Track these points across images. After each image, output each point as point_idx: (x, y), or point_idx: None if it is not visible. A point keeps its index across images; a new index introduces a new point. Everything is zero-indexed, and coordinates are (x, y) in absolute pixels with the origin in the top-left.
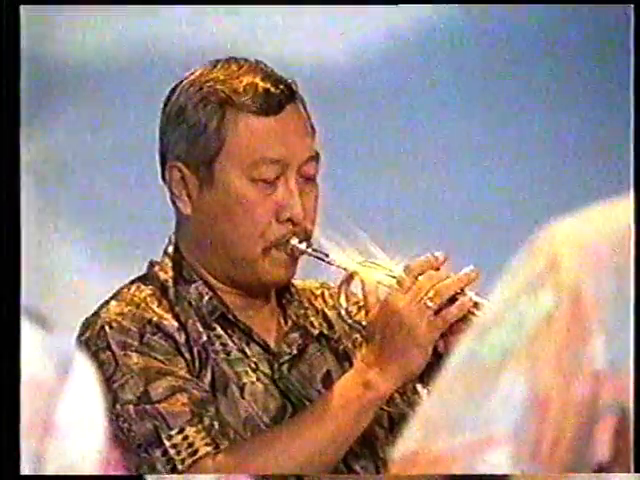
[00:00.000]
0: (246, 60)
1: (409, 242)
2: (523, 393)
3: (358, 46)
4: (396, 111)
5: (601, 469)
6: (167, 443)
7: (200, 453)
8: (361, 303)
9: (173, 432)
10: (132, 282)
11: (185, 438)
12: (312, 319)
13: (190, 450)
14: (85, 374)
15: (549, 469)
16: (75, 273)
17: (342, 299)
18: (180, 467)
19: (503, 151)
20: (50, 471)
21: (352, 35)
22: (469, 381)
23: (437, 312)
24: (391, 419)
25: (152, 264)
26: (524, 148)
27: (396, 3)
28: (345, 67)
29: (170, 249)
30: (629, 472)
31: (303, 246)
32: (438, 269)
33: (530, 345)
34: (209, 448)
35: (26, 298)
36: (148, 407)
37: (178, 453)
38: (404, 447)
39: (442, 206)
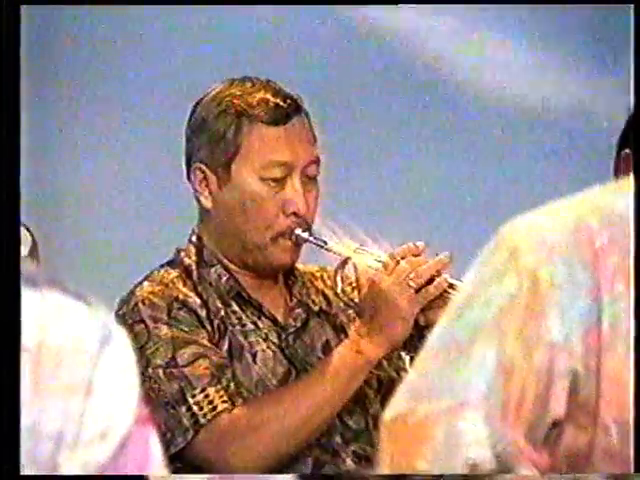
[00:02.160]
0: (258, 79)
1: (394, 233)
2: (492, 362)
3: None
4: (387, 119)
5: (555, 424)
6: (191, 401)
7: (219, 409)
8: (354, 284)
9: (196, 391)
10: (162, 266)
11: (206, 396)
12: (313, 297)
13: (210, 406)
14: (122, 343)
15: (515, 426)
16: (113, 258)
17: (338, 280)
18: (202, 421)
19: (487, 157)
20: (91, 426)
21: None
22: (446, 353)
23: (417, 291)
24: (379, 381)
25: (178, 251)
26: (521, 151)
27: (396, 3)
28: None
29: (193, 238)
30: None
31: (305, 235)
32: (418, 255)
33: (497, 321)
34: (226, 405)
35: (73, 281)
36: (175, 371)
37: (200, 409)
38: (393, 411)
39: (423, 203)
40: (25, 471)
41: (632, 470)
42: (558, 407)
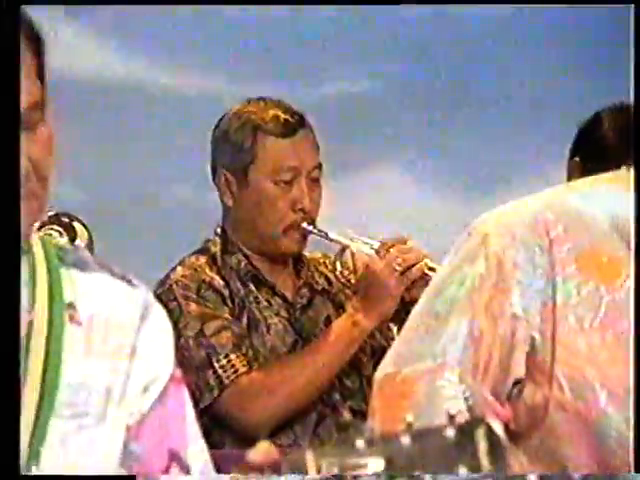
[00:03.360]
0: (270, 99)
1: (385, 227)
2: (465, 331)
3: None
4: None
5: (516, 382)
6: (216, 365)
7: (239, 372)
8: (351, 267)
9: (220, 357)
10: (192, 254)
11: (229, 361)
12: (317, 279)
13: (232, 370)
14: (159, 317)
15: (484, 384)
16: (152, 247)
17: (338, 265)
18: (225, 381)
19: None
20: (135, 383)
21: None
22: (427, 324)
23: (403, 273)
24: (372, 348)
25: (206, 241)
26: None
27: (396, 3)
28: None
29: (218, 230)
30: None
31: (310, 228)
32: (404, 244)
33: (469, 297)
34: (245, 368)
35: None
36: (203, 340)
37: (224, 372)
38: (382, 372)
39: (410, 203)
40: (73, 425)
41: (632, 470)
42: (519, 368)
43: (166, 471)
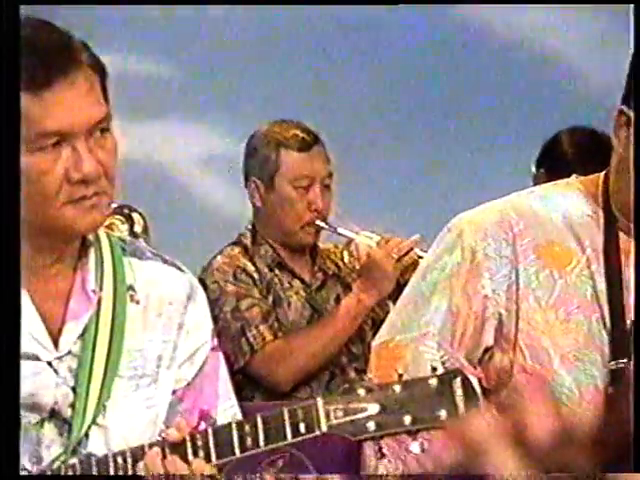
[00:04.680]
0: (291, 120)
1: (384, 224)
2: (444, 308)
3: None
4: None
5: (486, 349)
6: (248, 334)
7: (267, 340)
8: (356, 256)
9: (252, 328)
10: (229, 245)
11: (259, 331)
12: (329, 265)
13: (261, 338)
14: (202, 297)
15: (459, 350)
16: (197, 239)
17: (345, 254)
18: (256, 347)
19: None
20: (182, 352)
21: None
22: (415, 302)
23: (398, 260)
24: (372, 321)
25: (239, 235)
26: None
27: (397, 3)
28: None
29: (249, 226)
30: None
31: (323, 224)
32: (400, 237)
33: (448, 281)
34: (272, 337)
35: (170, 254)
36: (238, 314)
37: (255, 339)
38: (379, 339)
39: (404, 205)
40: (131, 384)
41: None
42: (489, 338)
43: (195, 428)
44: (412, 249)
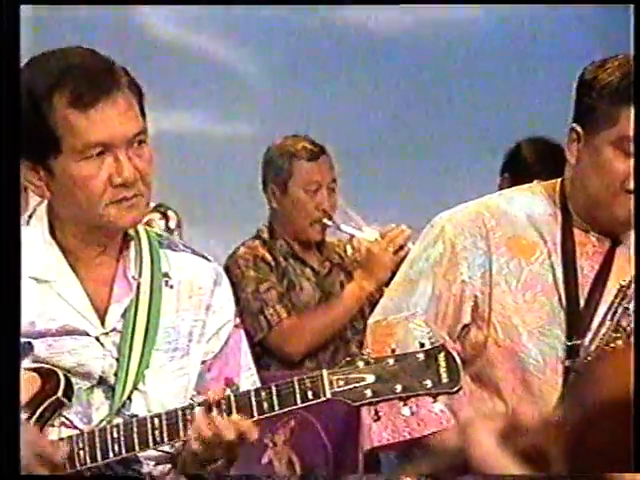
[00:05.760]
0: (301, 135)
1: (379, 219)
2: (429, 292)
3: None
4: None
5: (464, 326)
6: (266, 312)
7: (282, 317)
8: (357, 249)
9: (269, 307)
10: (250, 239)
11: (275, 310)
12: (334, 256)
13: (277, 316)
14: (226, 283)
15: (441, 328)
16: (223, 234)
17: (348, 247)
18: (272, 324)
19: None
20: (210, 329)
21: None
22: (404, 286)
23: (395, 253)
24: (370, 303)
25: (258, 230)
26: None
27: (397, 3)
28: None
29: (266, 223)
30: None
31: (329, 222)
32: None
33: (432, 269)
34: (286, 315)
35: (199, 247)
36: (257, 295)
37: (272, 317)
38: (374, 318)
39: (396, 203)
40: (166, 356)
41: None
42: (466, 316)
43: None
44: (406, 244)
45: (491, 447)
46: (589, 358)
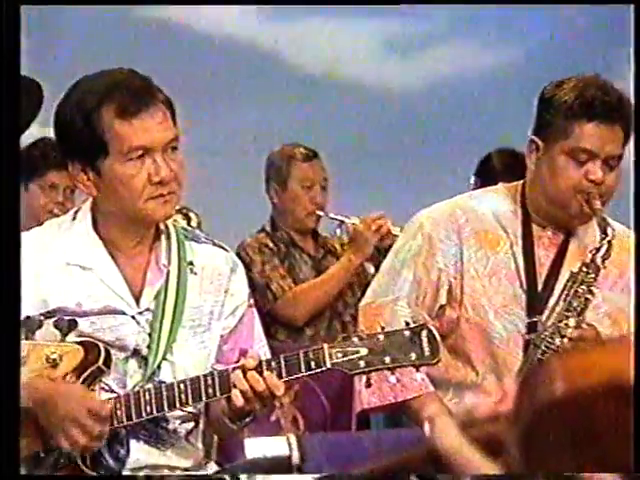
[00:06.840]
0: (296, 143)
1: (364, 209)
2: (411, 278)
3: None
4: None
5: (441, 307)
6: (273, 287)
7: (285, 290)
8: (345, 231)
9: (274, 283)
10: (256, 231)
11: (280, 285)
12: (326, 244)
13: (281, 289)
14: (241, 269)
15: (422, 309)
16: (233, 228)
17: (338, 232)
18: (278, 296)
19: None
20: (227, 308)
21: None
22: (389, 273)
23: (376, 231)
24: (360, 283)
25: (263, 225)
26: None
27: (397, 3)
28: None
29: (269, 217)
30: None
31: (322, 213)
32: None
33: (413, 258)
34: (288, 288)
35: (218, 238)
36: (263, 274)
37: (277, 290)
38: (364, 301)
39: (380, 198)
40: (191, 332)
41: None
42: (442, 298)
43: (237, 362)
44: (385, 224)
45: (455, 438)
46: (544, 347)
